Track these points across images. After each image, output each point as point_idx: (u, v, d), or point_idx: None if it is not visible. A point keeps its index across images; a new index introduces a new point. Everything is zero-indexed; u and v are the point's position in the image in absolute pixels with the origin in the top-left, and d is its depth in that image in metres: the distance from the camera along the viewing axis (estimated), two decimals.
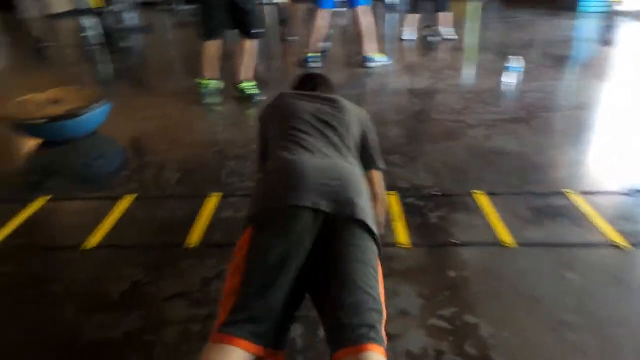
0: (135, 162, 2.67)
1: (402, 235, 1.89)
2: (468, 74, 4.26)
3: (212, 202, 2.12)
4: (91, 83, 4.19)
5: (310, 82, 1.78)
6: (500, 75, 3.90)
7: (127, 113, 3.45)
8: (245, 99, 3.55)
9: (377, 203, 1.63)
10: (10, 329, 1.50)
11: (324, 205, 1.14)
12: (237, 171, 2.44)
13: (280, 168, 1.28)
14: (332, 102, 1.54)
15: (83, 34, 5.63)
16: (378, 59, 4.41)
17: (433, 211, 2.06)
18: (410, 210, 2.06)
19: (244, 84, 3.57)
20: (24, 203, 2.17)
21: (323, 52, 4.97)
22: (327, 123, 1.44)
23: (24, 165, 2.74)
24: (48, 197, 2.22)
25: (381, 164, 1.67)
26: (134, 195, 2.20)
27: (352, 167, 1.34)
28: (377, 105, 3.45)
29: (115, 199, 2.19)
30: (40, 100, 2.89)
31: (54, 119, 2.65)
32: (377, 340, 1.01)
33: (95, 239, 1.89)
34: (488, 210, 2.04)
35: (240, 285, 1.07)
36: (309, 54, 4.43)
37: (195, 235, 1.89)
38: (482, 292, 1.58)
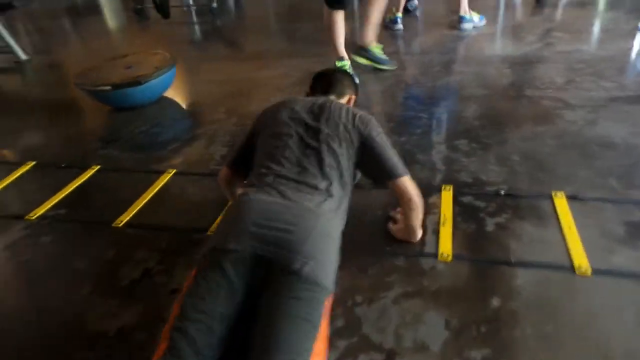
0: (190, 132, 2.63)
1: (445, 243, 1.58)
2: (585, 37, 3.51)
3: None
4: (177, 45, 4.25)
5: (323, 84, 1.72)
6: (629, 39, 3.14)
7: (200, 77, 3.46)
8: (371, 66, 3.11)
9: (409, 213, 1.49)
10: (22, 304, 1.55)
11: (264, 251, 1.09)
12: None
13: (238, 206, 1.25)
14: (326, 118, 1.46)
15: None
16: (474, 20, 3.85)
17: (493, 216, 1.69)
18: (464, 212, 1.73)
19: (373, 47, 3.07)
20: (78, 171, 2.25)
21: (413, 10, 4.52)
22: (311, 147, 1.39)
23: (90, 132, 2.86)
24: (98, 167, 2.27)
25: (399, 170, 1.46)
26: (173, 171, 2.16)
27: (318, 211, 1.24)
28: (459, 75, 3.00)
29: (158, 172, 2.17)
30: (115, 65, 2.98)
31: (118, 86, 2.70)
32: None
33: (126, 216, 1.88)
34: (566, 221, 1.62)
35: (174, 325, 1.01)
36: (398, 14, 4.04)
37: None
38: (531, 333, 1.25)
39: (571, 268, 1.43)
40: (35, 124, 2.94)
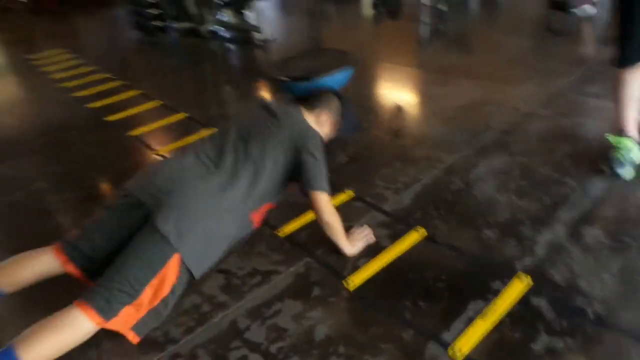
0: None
1: (468, 339, 1.36)
2: None
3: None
4: (402, 47, 4.41)
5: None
6: None
7: (385, 80, 3.56)
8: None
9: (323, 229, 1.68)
10: None
11: (148, 202, 1.45)
12: (400, 172, 2.22)
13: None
14: (274, 124, 1.70)
15: None
16: None
17: (553, 334, 1.35)
18: (521, 316, 1.43)
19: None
20: None
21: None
22: (245, 143, 1.64)
23: None
24: None
25: (316, 185, 1.62)
26: None
27: (201, 189, 1.50)
28: None
29: None
30: (307, 57, 3.35)
31: (293, 79, 3.05)
32: (87, 299, 1.28)
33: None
34: None
35: (87, 225, 1.52)
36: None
37: (288, 227, 1.92)
38: None
39: None
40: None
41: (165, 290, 1.38)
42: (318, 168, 1.64)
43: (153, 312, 1.38)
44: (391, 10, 4.84)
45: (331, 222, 1.65)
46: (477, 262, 1.67)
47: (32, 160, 2.72)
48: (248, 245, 1.83)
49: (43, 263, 1.44)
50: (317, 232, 1.74)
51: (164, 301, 1.40)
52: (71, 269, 1.45)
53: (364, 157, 2.46)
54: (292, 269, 1.70)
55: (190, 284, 1.50)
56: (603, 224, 1.79)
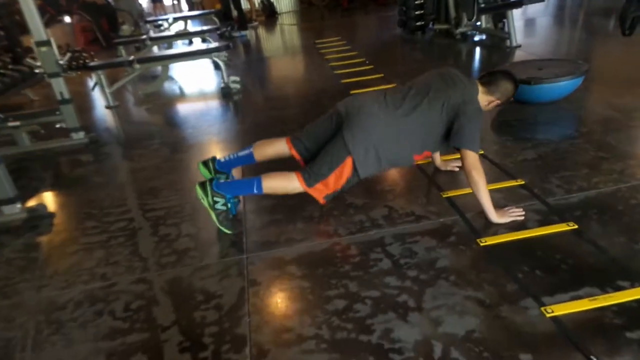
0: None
1: (564, 307, 1.51)
2: None
3: None
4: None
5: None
6: None
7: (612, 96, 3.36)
8: None
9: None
10: None
11: (343, 113, 2.12)
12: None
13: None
14: (449, 87, 2.09)
15: None
16: None
17: None
18: (628, 310, 1.47)
19: None
20: None
21: None
22: (422, 97, 2.07)
23: None
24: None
25: (467, 144, 1.99)
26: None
27: (380, 118, 2.05)
28: None
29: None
30: (537, 64, 3.46)
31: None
32: (301, 171, 2.07)
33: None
34: None
35: (307, 127, 2.27)
36: None
37: (452, 192, 2.28)
38: None
39: None
40: None
41: (344, 179, 2.06)
42: (471, 130, 1.98)
43: (334, 193, 2.10)
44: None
45: (477, 178, 1.95)
46: (614, 262, 1.71)
47: (295, 110, 3.78)
48: (414, 195, 2.29)
49: (279, 147, 2.28)
50: (473, 202, 2.05)
51: (342, 187, 2.08)
52: (294, 153, 2.25)
53: (553, 158, 2.54)
54: (441, 220, 2.08)
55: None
56: None
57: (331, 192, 2.08)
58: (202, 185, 2.13)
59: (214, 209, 2.12)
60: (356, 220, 2.15)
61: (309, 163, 2.12)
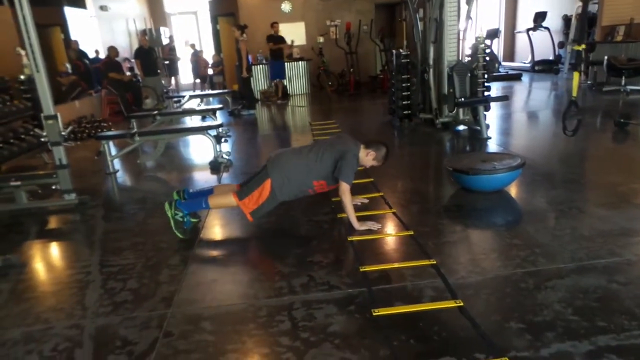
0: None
1: None
2: None
3: None
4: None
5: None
6: None
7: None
8: None
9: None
10: None
11: (269, 162, 3.11)
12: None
13: None
14: (339, 144, 3.11)
15: None
16: None
17: None
18: None
19: None
20: None
21: None
22: (322, 150, 3.07)
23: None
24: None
25: (343, 177, 2.94)
26: None
27: (294, 160, 3.07)
28: None
29: None
30: (483, 157, 3.79)
31: (457, 170, 3.56)
32: (236, 192, 3.04)
33: None
34: None
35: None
36: None
37: (370, 267, 2.53)
38: None
39: None
40: None
41: (263, 197, 2.96)
42: (347, 169, 2.94)
43: (258, 208, 2.97)
44: None
45: (345, 200, 2.96)
46: (482, 337, 1.90)
47: None
48: (337, 267, 2.56)
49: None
50: (386, 276, 2.30)
51: (263, 204, 2.97)
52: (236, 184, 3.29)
53: (472, 243, 2.79)
54: (349, 290, 2.33)
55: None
56: None
57: (256, 207, 2.95)
58: (170, 203, 3.10)
59: (174, 219, 3.04)
60: (277, 286, 2.42)
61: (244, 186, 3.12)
